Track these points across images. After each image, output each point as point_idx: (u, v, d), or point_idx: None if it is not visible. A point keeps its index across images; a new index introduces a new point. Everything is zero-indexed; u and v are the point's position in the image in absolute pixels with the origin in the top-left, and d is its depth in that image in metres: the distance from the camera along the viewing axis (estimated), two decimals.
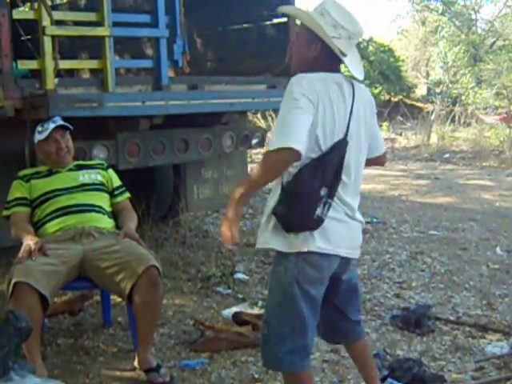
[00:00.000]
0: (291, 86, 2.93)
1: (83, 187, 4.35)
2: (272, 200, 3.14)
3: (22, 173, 4.38)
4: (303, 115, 2.87)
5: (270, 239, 3.19)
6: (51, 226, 4.19)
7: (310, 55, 3.07)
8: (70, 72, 7.16)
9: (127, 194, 4.61)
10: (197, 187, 6.39)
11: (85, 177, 4.42)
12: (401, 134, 19.03)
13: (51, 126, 4.32)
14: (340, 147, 2.98)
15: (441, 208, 9.41)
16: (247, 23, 6.93)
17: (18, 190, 4.29)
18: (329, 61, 3.05)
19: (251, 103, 5.92)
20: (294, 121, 2.85)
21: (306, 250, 3.00)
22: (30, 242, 3.89)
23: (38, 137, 4.34)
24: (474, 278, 6.00)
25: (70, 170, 4.42)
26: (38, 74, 4.70)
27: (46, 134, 4.32)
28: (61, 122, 4.37)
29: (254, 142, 6.26)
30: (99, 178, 4.49)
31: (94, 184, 4.42)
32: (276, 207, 3.08)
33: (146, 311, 3.86)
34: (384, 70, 25.80)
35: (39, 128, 4.35)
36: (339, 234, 3.07)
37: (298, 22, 3.31)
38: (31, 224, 4.26)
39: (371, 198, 9.78)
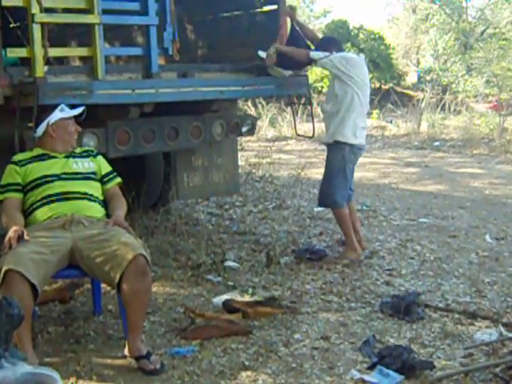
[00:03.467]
0: None
1: (76, 175, 4.36)
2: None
3: (17, 157, 4.37)
4: None
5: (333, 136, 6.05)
6: (43, 213, 4.18)
7: None
8: (60, 60, 7.14)
9: (117, 180, 4.60)
10: (187, 175, 6.38)
11: (78, 165, 4.42)
12: (391, 122, 19.04)
13: (75, 110, 4.46)
14: None
15: (431, 196, 9.43)
16: (238, 11, 6.92)
17: (10, 176, 4.29)
18: None
19: (241, 91, 5.92)
20: None
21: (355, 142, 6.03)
22: (10, 232, 3.90)
23: (59, 114, 4.40)
24: (464, 265, 6.03)
25: (66, 157, 4.42)
26: (27, 62, 4.68)
27: (70, 114, 4.45)
28: (79, 112, 4.50)
29: (245, 129, 6.25)
30: (92, 166, 4.49)
31: (87, 172, 4.42)
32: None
33: (134, 299, 3.87)
34: (374, 57, 25.81)
35: (63, 107, 4.43)
36: (364, 136, 6.17)
37: None
38: (24, 209, 4.27)
39: (361, 185, 9.78)
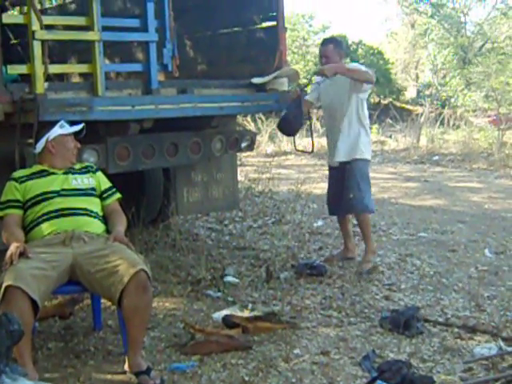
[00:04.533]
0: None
1: (76, 191, 4.37)
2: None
3: (16, 174, 4.39)
4: None
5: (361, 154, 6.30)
6: (43, 229, 4.19)
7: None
8: (60, 76, 7.17)
9: (117, 196, 4.62)
10: (187, 190, 6.39)
11: (78, 181, 4.44)
12: (390, 137, 19.07)
13: (75, 127, 4.50)
14: None
15: (430, 210, 9.45)
16: (237, 27, 6.96)
17: (10, 192, 4.30)
18: None
19: (241, 107, 5.94)
20: None
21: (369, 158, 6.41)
22: (11, 248, 3.91)
23: (59, 131, 4.43)
24: (463, 279, 6.03)
25: (65, 173, 4.44)
26: (27, 79, 4.71)
27: (70, 130, 4.48)
28: (79, 129, 4.54)
29: (244, 145, 6.27)
30: (91, 182, 4.51)
31: (86, 188, 4.44)
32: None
33: (135, 315, 3.87)
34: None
35: (62, 124, 4.47)
36: None
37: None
38: (24, 226, 4.27)
39: None
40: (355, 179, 6.24)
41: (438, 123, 19.06)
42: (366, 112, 6.34)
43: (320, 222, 8.37)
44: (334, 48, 6.23)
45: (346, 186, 6.27)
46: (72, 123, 4.52)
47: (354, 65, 6.44)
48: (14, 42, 8.24)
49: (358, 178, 6.25)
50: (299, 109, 6.12)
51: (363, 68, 6.23)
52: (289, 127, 6.27)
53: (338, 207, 6.55)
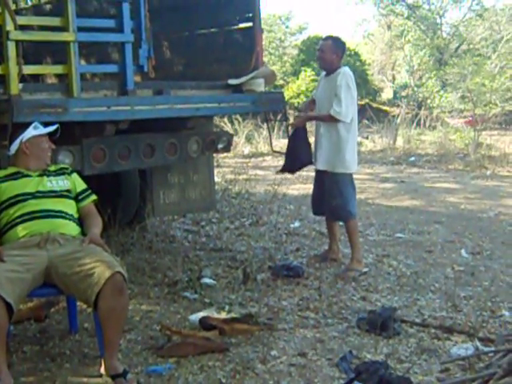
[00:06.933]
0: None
1: (51, 193, 4.34)
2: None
3: None
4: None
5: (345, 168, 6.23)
6: (18, 231, 4.16)
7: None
8: (35, 77, 7.12)
9: (92, 197, 4.59)
10: (163, 192, 6.36)
11: (53, 183, 4.41)
12: (367, 138, 19.13)
13: (48, 128, 4.46)
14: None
15: (407, 211, 9.48)
16: (213, 28, 6.94)
17: None
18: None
19: (217, 108, 5.92)
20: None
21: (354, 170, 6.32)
22: None
23: (33, 132, 4.39)
24: (440, 280, 6.06)
25: (40, 175, 4.40)
26: (1, 80, 4.66)
27: (44, 131, 4.44)
28: (53, 130, 4.49)
29: (220, 146, 6.25)
30: (66, 183, 4.48)
31: (61, 190, 4.41)
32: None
33: (111, 317, 3.85)
34: None
35: (36, 125, 4.42)
36: None
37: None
38: None
39: None
40: (338, 189, 6.23)
41: (415, 124, 19.19)
42: (356, 118, 6.28)
43: (297, 223, 8.37)
44: (331, 45, 6.26)
45: (328, 193, 6.29)
46: (46, 124, 4.49)
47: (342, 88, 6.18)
48: None
49: (341, 187, 6.24)
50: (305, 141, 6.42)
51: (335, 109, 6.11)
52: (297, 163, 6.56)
53: (321, 208, 6.56)
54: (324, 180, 6.33)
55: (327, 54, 6.22)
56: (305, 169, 6.77)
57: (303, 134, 6.45)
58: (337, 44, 6.30)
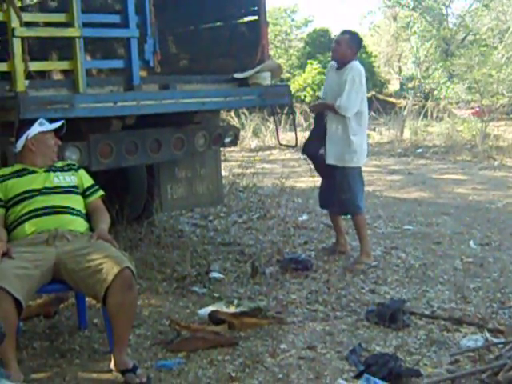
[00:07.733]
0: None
1: (58, 189, 4.33)
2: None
3: None
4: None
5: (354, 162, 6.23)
6: (26, 228, 4.16)
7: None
8: (41, 74, 7.12)
9: (100, 193, 4.58)
10: (170, 187, 6.37)
11: (60, 179, 4.40)
12: (374, 130, 19.10)
13: (54, 124, 4.43)
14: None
15: (415, 203, 9.46)
16: (219, 22, 6.93)
17: None
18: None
19: (223, 102, 5.91)
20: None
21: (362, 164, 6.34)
22: None
23: (38, 128, 4.37)
24: (448, 271, 6.05)
25: (46, 171, 4.40)
26: (8, 76, 4.67)
27: (49, 127, 4.42)
28: (58, 126, 4.48)
29: (227, 140, 6.25)
30: (73, 179, 4.47)
31: (68, 186, 4.40)
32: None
33: (120, 313, 3.86)
34: None
35: (42, 121, 4.40)
36: None
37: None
38: (6, 225, 4.23)
39: None
40: (347, 182, 6.23)
41: (422, 116, 19.11)
42: (365, 112, 6.28)
43: (305, 217, 8.37)
44: (348, 39, 6.24)
45: (338, 187, 6.28)
46: (52, 120, 4.48)
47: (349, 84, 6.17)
48: None
49: (350, 181, 6.23)
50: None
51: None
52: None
53: (328, 202, 6.58)
54: (333, 174, 6.31)
55: (342, 47, 6.19)
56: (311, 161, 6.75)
57: (321, 128, 6.41)
58: (353, 38, 6.29)
